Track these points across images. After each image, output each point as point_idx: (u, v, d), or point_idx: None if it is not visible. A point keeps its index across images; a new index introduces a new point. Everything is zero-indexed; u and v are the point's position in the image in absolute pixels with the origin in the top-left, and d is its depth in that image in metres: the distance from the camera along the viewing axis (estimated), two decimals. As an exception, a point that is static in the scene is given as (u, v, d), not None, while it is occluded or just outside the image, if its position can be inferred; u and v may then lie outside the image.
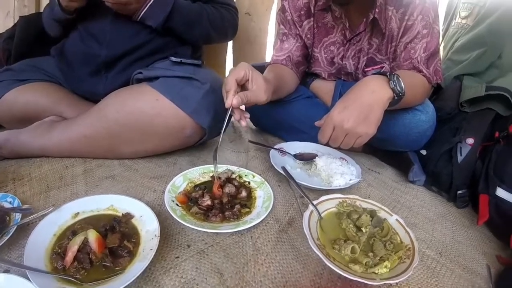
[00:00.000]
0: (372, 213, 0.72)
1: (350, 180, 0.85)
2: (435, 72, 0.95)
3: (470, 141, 0.95)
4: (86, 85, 1.01)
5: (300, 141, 1.05)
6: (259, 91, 0.78)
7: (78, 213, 0.67)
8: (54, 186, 0.79)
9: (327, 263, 0.57)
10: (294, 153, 0.97)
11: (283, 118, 1.10)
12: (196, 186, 0.79)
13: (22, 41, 1.14)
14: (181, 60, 0.90)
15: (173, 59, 0.90)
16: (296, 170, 0.92)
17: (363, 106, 0.74)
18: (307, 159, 0.94)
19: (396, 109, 0.88)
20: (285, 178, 0.86)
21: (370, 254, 0.62)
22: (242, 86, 0.79)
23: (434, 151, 0.99)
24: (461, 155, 0.95)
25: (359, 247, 0.63)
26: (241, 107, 0.78)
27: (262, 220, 0.69)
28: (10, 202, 0.68)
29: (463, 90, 1.03)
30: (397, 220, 0.72)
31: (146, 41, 0.98)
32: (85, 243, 0.58)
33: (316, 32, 1.06)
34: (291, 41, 1.09)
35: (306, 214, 0.68)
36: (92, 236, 0.59)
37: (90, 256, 0.57)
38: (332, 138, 0.78)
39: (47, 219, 0.63)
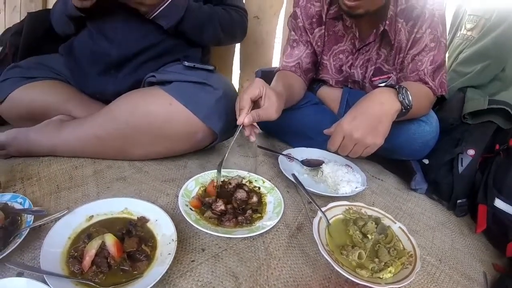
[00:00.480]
0: (377, 221, 0.74)
1: (356, 188, 0.87)
2: (440, 85, 0.96)
3: (471, 152, 0.97)
4: (95, 84, 0.99)
5: (306, 146, 1.07)
6: (271, 109, 0.80)
7: (92, 216, 0.67)
8: (64, 187, 0.79)
9: (337, 268, 0.60)
10: (301, 159, 0.98)
11: (291, 123, 1.12)
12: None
13: (30, 37, 1.13)
14: (194, 65, 0.91)
15: (186, 63, 0.91)
16: (303, 176, 0.93)
17: (372, 118, 0.76)
18: (314, 165, 0.96)
19: (402, 120, 0.91)
20: (293, 184, 0.88)
21: (376, 260, 0.65)
22: (254, 102, 0.80)
23: (436, 160, 1.01)
24: (461, 165, 0.97)
25: (365, 253, 0.66)
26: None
27: (274, 225, 0.70)
28: (20, 203, 0.67)
29: (466, 103, 1.05)
30: (400, 227, 0.74)
31: (156, 42, 0.97)
32: (102, 247, 0.58)
33: (326, 40, 1.07)
34: (301, 48, 1.10)
35: (316, 221, 0.70)
36: (110, 240, 0.59)
37: (108, 260, 0.57)
38: (342, 147, 0.80)
39: (61, 222, 0.63)
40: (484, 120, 1.00)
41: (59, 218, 0.64)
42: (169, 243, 0.61)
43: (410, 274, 0.62)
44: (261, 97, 0.79)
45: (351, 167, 0.98)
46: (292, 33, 1.10)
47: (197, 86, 0.87)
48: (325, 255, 0.62)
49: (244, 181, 0.85)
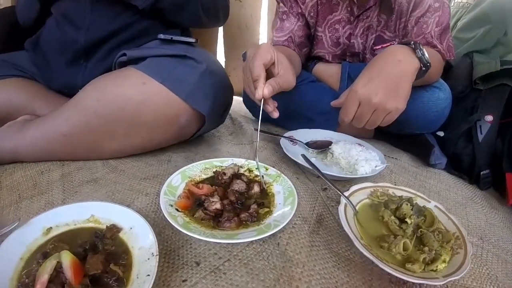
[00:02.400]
0: (410, 201, 0.56)
1: (376, 166, 0.69)
2: (448, 48, 0.82)
3: (489, 118, 0.83)
4: (63, 77, 0.81)
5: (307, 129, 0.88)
6: (288, 75, 0.62)
7: (50, 228, 0.47)
8: (26, 196, 0.59)
9: (385, 269, 0.42)
10: (305, 142, 0.79)
11: (287, 105, 0.92)
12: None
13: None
14: (171, 38, 0.71)
15: (162, 36, 0.71)
16: (311, 160, 0.74)
17: (391, 78, 0.60)
18: (321, 147, 0.77)
19: (415, 86, 0.74)
20: (302, 170, 0.69)
21: (425, 248, 0.47)
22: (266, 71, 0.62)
23: (452, 132, 0.86)
24: (481, 133, 0.83)
25: (411, 242, 0.48)
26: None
27: (289, 221, 0.50)
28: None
29: (475, 67, 0.91)
30: (436, 206, 0.58)
31: (129, 23, 0.78)
32: (58, 269, 0.40)
33: (320, 10, 0.89)
34: (292, 20, 0.92)
35: (341, 210, 0.51)
36: (66, 259, 0.40)
37: (65, 288, 0.37)
38: (357, 116, 0.62)
39: (12, 238, 0.44)
40: (497, 83, 0.86)
41: (8, 233, 0.44)
42: (148, 259, 0.41)
43: (465, 261, 0.46)
44: (273, 63, 0.61)
45: (363, 146, 0.79)
46: (281, 4, 0.92)
47: (176, 60, 0.67)
48: (365, 253, 0.43)
49: (242, 171, 0.65)
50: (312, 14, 0.90)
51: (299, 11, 0.91)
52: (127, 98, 0.64)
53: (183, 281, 0.41)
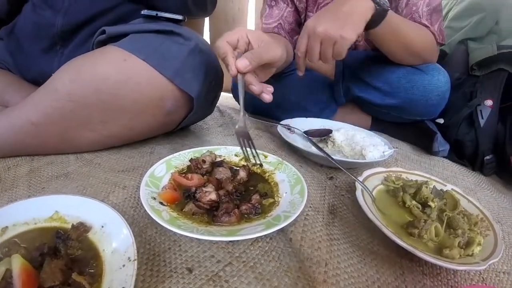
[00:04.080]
0: (428, 185, 0.48)
1: (384, 152, 0.60)
2: (440, 32, 0.75)
3: (489, 102, 0.78)
4: (38, 65, 0.69)
5: (301, 119, 0.78)
6: (270, 47, 0.53)
7: (6, 227, 0.36)
8: None
9: (426, 258, 0.34)
10: (303, 131, 0.69)
11: (280, 94, 0.82)
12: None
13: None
14: (156, 14, 0.59)
15: (146, 12, 0.59)
16: (311, 149, 0.64)
17: (339, 12, 0.58)
18: (322, 135, 0.67)
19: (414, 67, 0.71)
20: (304, 158, 0.59)
21: (458, 231, 0.40)
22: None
23: (453, 118, 0.79)
24: (482, 118, 0.77)
25: (442, 227, 0.40)
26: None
27: (301, 212, 0.39)
28: None
29: (471, 53, 0.86)
30: (453, 189, 0.51)
31: (111, 7, 0.67)
32: (7, 279, 0.29)
33: None
34: (281, 6, 0.83)
35: (359, 196, 0.41)
36: (16, 266, 0.29)
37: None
38: (308, 49, 0.59)
39: None
40: (493, 69, 0.81)
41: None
42: (123, 265, 0.29)
43: (497, 242, 0.40)
44: (247, 43, 0.54)
45: (365, 132, 0.71)
46: None
47: (162, 36, 0.56)
48: (399, 242, 0.35)
49: (238, 160, 0.54)
50: None
51: None
52: (104, 77, 0.52)
53: (172, 293, 0.30)
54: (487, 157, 0.73)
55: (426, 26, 0.73)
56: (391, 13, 0.63)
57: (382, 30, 0.63)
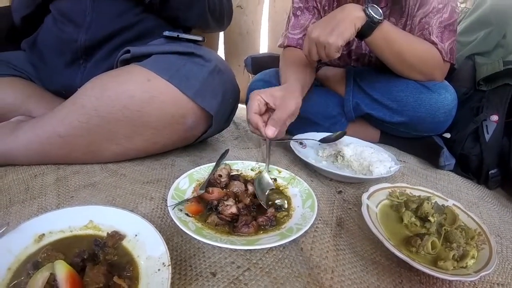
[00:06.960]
0: (429, 200, 0.53)
1: (390, 167, 0.64)
2: (450, 51, 0.78)
3: (495, 118, 0.81)
4: (61, 78, 0.74)
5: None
6: (285, 103, 0.62)
7: (43, 234, 0.40)
8: (17, 200, 0.52)
9: (421, 268, 0.38)
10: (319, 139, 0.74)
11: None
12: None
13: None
14: (177, 35, 0.66)
15: (168, 33, 0.66)
16: (322, 163, 0.69)
17: (332, 20, 0.67)
18: (336, 139, 0.72)
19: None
20: (314, 173, 0.64)
21: (454, 245, 0.45)
22: (266, 112, 0.64)
23: (459, 133, 0.83)
24: (488, 133, 0.80)
25: (439, 240, 0.45)
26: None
27: (311, 224, 0.45)
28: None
29: (478, 68, 0.89)
30: (454, 204, 0.55)
31: (133, 22, 0.73)
32: (51, 282, 0.33)
33: (335, 6, 0.86)
34: (307, 16, 0.88)
35: (365, 211, 0.46)
36: (62, 271, 0.33)
37: (60, 306, 0.30)
38: (308, 51, 0.70)
39: None
40: (499, 84, 0.84)
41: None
42: (159, 269, 0.34)
43: (491, 256, 0.44)
44: (266, 103, 0.62)
45: (373, 148, 0.75)
46: (296, 0, 0.88)
47: (184, 58, 0.62)
48: (399, 254, 0.39)
49: (253, 174, 0.59)
50: (326, 8, 0.87)
51: (314, 5, 0.87)
52: (130, 95, 0.58)
53: (199, 294, 0.35)
54: (492, 171, 0.76)
55: (434, 43, 0.76)
56: (386, 24, 0.69)
57: (375, 40, 0.70)
